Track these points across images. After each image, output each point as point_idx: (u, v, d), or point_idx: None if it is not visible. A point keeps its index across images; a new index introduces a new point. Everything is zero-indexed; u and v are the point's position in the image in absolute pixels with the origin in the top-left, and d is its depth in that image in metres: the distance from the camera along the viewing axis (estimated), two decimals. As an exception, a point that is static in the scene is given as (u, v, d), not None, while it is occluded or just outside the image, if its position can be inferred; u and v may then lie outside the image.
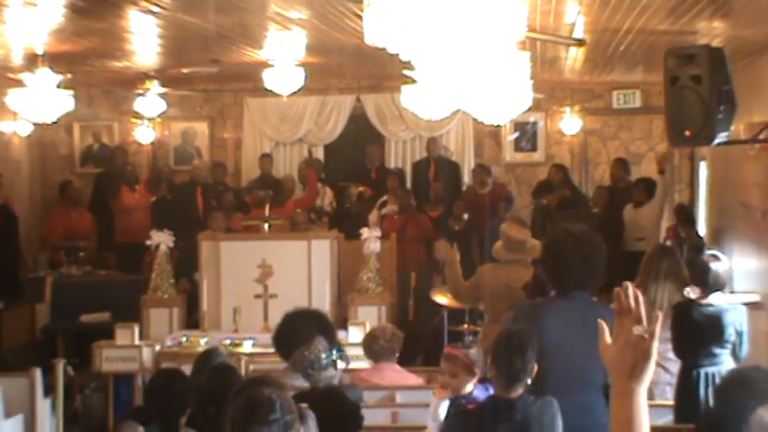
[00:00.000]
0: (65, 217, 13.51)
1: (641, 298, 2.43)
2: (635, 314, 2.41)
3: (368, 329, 9.42)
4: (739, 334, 7.39)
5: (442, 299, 10.08)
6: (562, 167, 14.04)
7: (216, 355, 6.78)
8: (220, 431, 3.07)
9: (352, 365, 6.94)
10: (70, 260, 12.97)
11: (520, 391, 4.99)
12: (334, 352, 6.14)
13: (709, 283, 7.44)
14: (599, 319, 2.54)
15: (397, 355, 7.44)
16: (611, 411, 2.47)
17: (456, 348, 5.98)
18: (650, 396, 7.64)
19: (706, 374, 7.25)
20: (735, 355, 7.37)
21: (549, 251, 5.78)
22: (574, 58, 10.72)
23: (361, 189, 13.74)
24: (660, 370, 7.58)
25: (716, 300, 7.43)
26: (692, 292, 7.54)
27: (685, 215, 12.36)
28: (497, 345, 5.12)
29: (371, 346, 7.45)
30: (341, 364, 6.29)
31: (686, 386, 7.36)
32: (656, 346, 2.40)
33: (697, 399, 7.19)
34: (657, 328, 2.40)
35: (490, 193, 13.62)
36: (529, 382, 5.03)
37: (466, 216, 13.06)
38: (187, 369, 6.75)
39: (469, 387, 5.73)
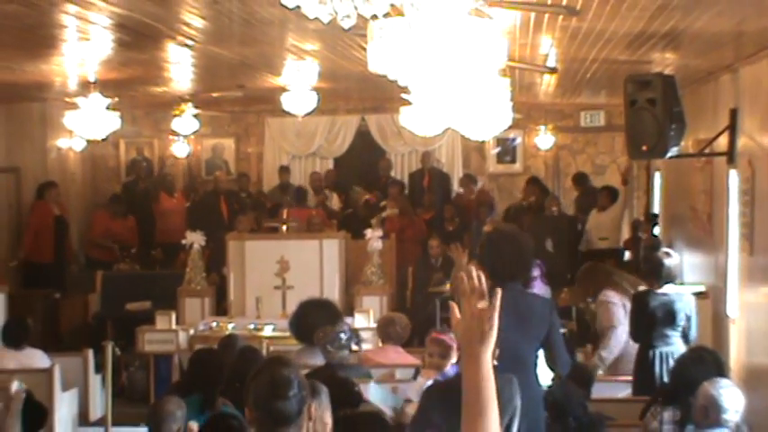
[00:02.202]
0: (108, 220, 13.51)
1: (483, 278, 2.49)
2: (479, 292, 2.48)
3: (372, 316, 9.44)
4: (689, 319, 7.40)
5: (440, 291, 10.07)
6: (537, 180, 14.02)
7: (235, 340, 6.77)
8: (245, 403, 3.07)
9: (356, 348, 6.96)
10: (123, 255, 13.01)
11: None
12: (352, 336, 6.15)
13: (663, 276, 7.46)
14: (450, 301, 2.60)
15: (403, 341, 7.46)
16: (464, 374, 2.53)
17: (442, 333, 5.98)
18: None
19: (660, 354, 7.26)
20: (685, 337, 7.39)
21: (486, 249, 5.76)
22: (547, 83, 10.72)
23: (366, 197, 13.75)
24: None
25: (668, 290, 7.44)
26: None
27: (649, 218, 12.53)
28: None
29: (387, 328, 7.43)
30: (355, 347, 6.29)
31: (643, 364, 7.37)
32: (497, 316, 2.48)
33: (652, 375, 7.19)
34: (497, 302, 2.49)
35: (476, 199, 13.64)
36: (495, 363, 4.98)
37: (456, 219, 13.07)
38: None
39: (451, 364, 5.73)
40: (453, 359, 5.73)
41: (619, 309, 7.78)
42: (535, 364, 5.47)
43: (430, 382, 5.44)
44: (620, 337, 7.71)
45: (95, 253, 13.32)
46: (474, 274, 2.49)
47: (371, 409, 5.27)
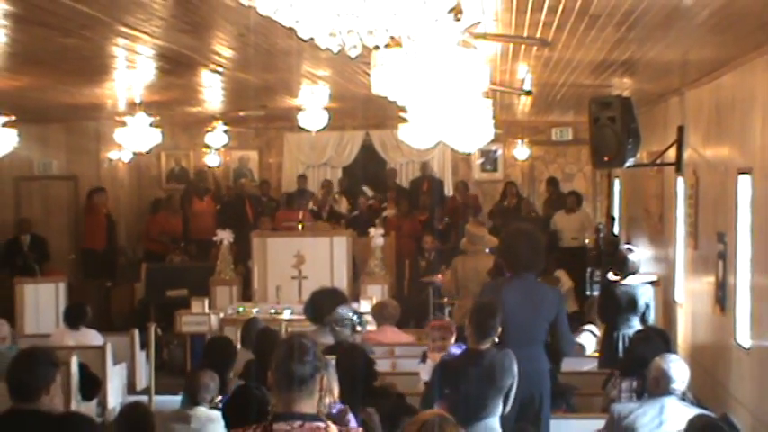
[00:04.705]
0: (164, 220, 13.55)
1: None
2: None
3: (374, 302, 9.43)
4: (647, 305, 7.40)
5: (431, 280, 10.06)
6: (513, 183, 14.10)
7: (256, 322, 6.76)
8: (266, 376, 3.07)
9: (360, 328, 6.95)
10: (174, 247, 13.03)
11: (488, 345, 4.96)
12: (356, 317, 6.15)
13: (627, 269, 7.45)
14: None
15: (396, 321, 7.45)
16: None
17: (440, 320, 5.99)
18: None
19: (623, 336, 7.26)
20: (643, 320, 7.38)
21: (505, 243, 5.78)
22: (524, 103, 10.73)
23: (370, 203, 13.76)
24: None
25: (631, 280, 7.44)
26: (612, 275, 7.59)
27: (609, 218, 12.57)
28: (475, 311, 5.10)
29: (381, 311, 7.43)
30: (359, 328, 6.29)
31: (608, 343, 7.37)
32: None
33: (615, 352, 7.19)
34: None
35: (463, 202, 13.64)
36: (496, 340, 5.02)
37: (446, 219, 13.08)
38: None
39: (451, 344, 5.73)
40: (453, 339, 5.74)
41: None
42: (543, 342, 5.49)
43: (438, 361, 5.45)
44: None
45: (153, 247, 13.34)
46: None
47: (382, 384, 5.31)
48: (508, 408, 4.93)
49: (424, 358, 5.91)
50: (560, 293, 5.92)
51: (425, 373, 5.62)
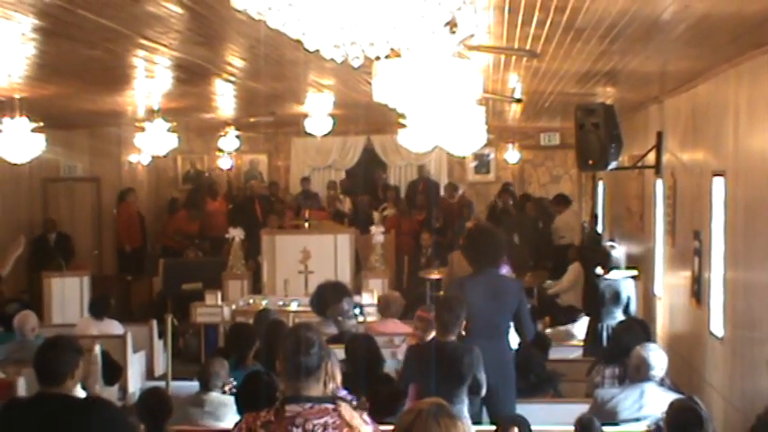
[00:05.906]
0: (183, 221, 13.55)
1: None
2: None
3: (376, 295, 9.43)
4: (629, 298, 7.40)
5: (428, 276, 10.05)
6: (509, 184, 14.10)
7: (268, 313, 6.77)
8: (275, 363, 3.08)
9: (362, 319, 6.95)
10: (188, 244, 13.04)
11: (452, 338, 4.95)
12: (357, 309, 6.17)
13: (610, 264, 7.45)
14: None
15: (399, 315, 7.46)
16: None
17: (426, 312, 6.00)
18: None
19: (607, 327, 7.27)
20: (626, 312, 7.39)
21: (468, 241, 5.77)
22: (514, 110, 10.72)
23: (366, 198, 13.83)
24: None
25: (614, 275, 7.44)
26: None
27: (593, 217, 12.57)
28: (437, 305, 5.12)
29: (385, 306, 7.42)
30: (360, 318, 6.30)
31: (592, 333, 7.38)
32: None
33: (600, 342, 7.20)
34: None
35: (457, 202, 13.63)
36: (464, 333, 5.01)
37: (439, 217, 13.09)
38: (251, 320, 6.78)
39: (430, 336, 5.75)
40: (434, 333, 5.75)
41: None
42: (507, 332, 5.49)
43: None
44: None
45: (170, 243, 13.35)
46: None
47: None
48: (482, 393, 4.91)
49: (404, 341, 5.93)
50: (520, 284, 5.95)
51: (402, 354, 5.67)
